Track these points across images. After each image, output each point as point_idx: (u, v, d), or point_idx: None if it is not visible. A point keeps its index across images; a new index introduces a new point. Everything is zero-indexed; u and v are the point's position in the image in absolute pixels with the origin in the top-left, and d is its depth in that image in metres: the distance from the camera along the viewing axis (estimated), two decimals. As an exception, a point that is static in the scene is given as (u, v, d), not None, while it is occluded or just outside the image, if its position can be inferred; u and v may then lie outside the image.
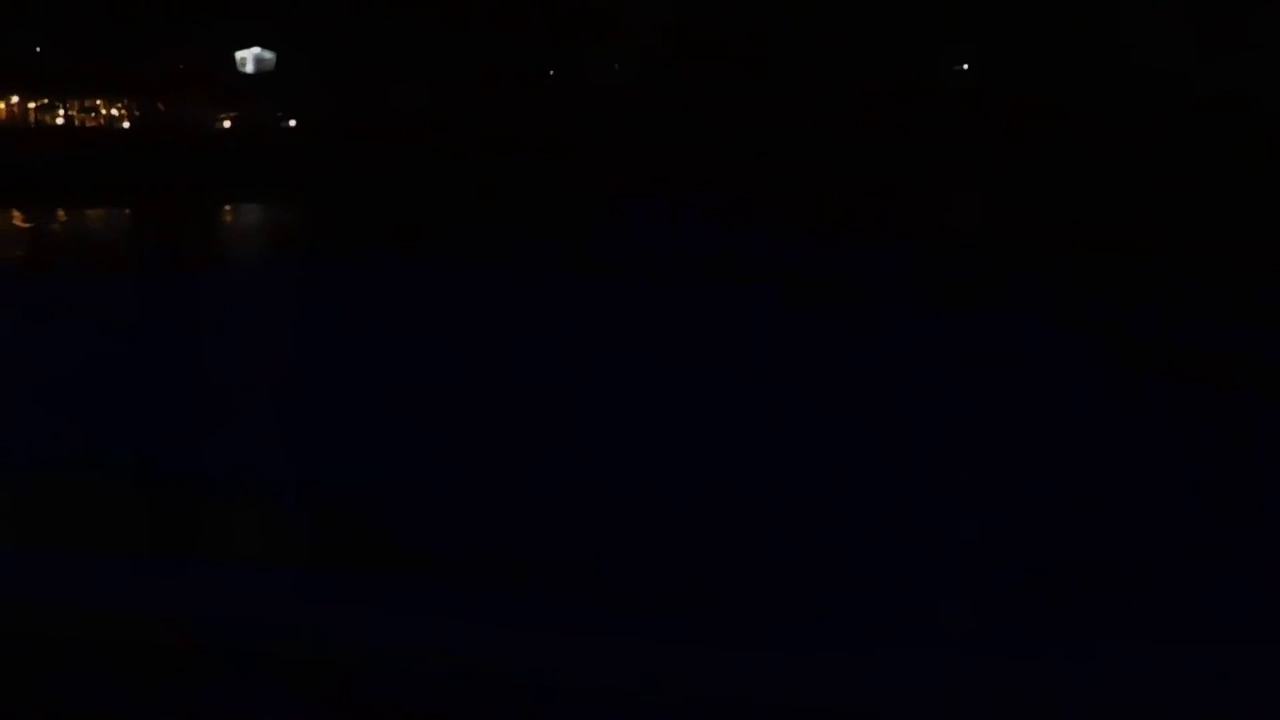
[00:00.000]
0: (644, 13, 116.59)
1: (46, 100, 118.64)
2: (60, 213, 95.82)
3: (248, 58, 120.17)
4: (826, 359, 39.93)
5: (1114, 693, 15.04)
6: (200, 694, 14.21)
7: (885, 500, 26.14)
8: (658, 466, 28.52)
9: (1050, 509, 25.76)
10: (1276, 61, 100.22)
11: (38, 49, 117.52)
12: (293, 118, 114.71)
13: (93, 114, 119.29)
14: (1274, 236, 62.96)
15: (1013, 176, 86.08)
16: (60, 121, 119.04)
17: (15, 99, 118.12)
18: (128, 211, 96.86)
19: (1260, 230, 65.28)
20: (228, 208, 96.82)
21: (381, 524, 24.81)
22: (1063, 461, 29.13)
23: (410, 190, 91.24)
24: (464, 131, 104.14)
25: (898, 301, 49.91)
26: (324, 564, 22.24)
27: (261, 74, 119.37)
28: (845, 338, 43.47)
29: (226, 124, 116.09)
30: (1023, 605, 20.93)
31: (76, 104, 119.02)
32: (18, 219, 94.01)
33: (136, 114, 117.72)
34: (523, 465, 28.50)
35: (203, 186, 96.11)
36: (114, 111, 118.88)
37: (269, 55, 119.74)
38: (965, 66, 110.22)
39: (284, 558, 22.43)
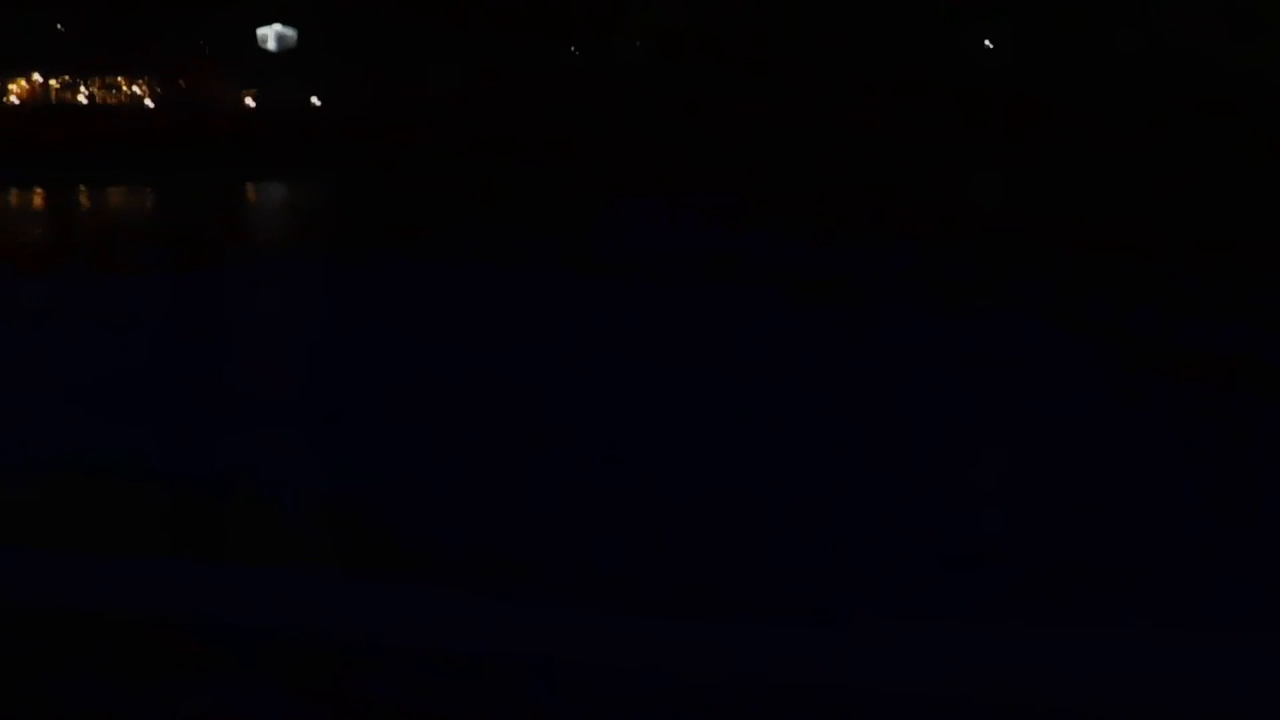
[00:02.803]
0: (644, 12, 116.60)
1: (68, 78, 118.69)
2: (82, 191, 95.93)
3: (269, 34, 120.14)
4: (826, 359, 39.92)
5: (1113, 692, 15.04)
6: (200, 694, 14.22)
7: (885, 500, 26.14)
8: (658, 466, 28.52)
9: (1050, 509, 25.76)
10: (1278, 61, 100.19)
11: (59, 26, 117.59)
12: (316, 95, 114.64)
13: (114, 91, 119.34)
14: (1274, 236, 62.92)
15: (1013, 176, 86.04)
16: (83, 100, 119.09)
17: (37, 76, 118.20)
18: (149, 191, 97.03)
19: (1260, 230, 65.24)
20: (239, 194, 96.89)
21: (382, 524, 24.81)
22: (1063, 461, 29.13)
23: (416, 185, 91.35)
24: (463, 130, 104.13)
25: (898, 301, 49.89)
26: (324, 564, 22.23)
27: (284, 51, 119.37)
28: (845, 338, 43.46)
29: (249, 102, 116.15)
30: (1022, 605, 20.92)
31: (98, 81, 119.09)
32: (39, 198, 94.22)
33: (158, 91, 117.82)
34: (523, 465, 28.50)
35: (218, 169, 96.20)
36: (135, 89, 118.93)
37: (290, 32, 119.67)
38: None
39: (284, 558, 22.42)
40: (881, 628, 18.07)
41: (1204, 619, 19.76)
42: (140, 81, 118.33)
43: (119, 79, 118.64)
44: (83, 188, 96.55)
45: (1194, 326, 44.28)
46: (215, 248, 66.56)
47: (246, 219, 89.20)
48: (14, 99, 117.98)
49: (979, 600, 20.93)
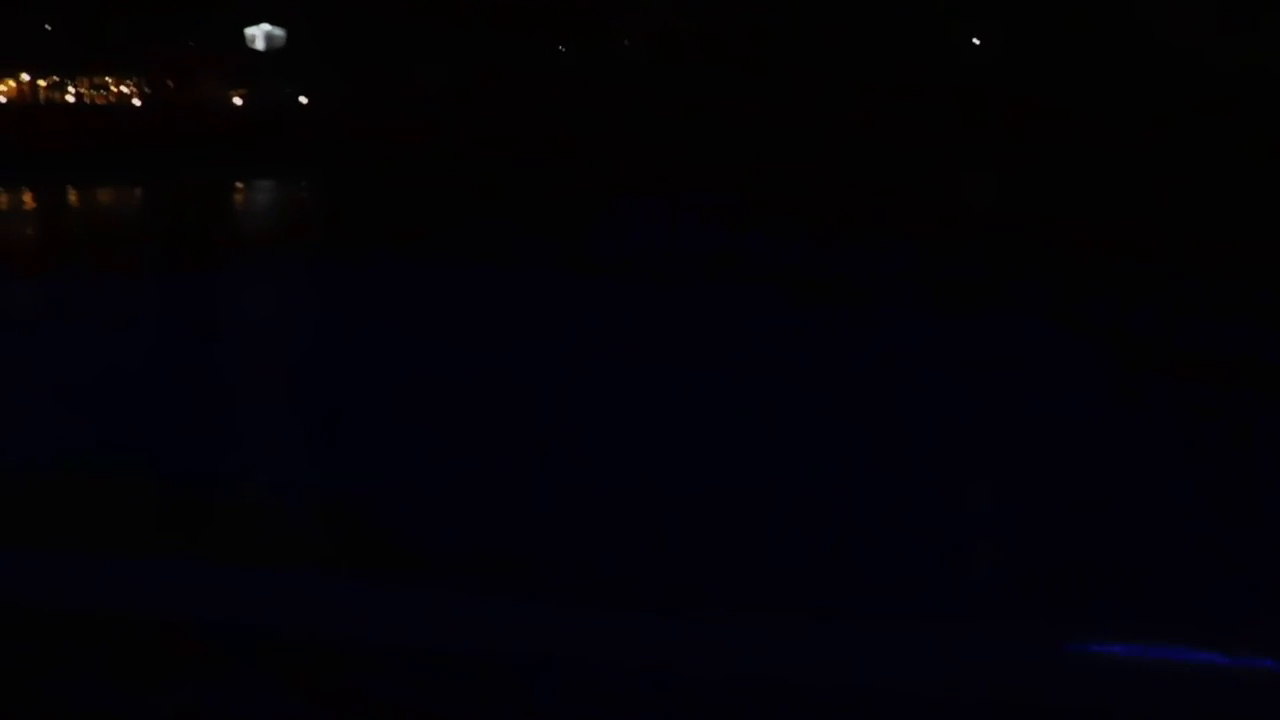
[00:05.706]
0: (644, 12, 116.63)
1: (56, 78, 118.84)
2: (71, 192, 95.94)
3: (258, 34, 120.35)
4: (826, 359, 39.92)
5: (1113, 692, 15.04)
6: (200, 694, 14.22)
7: (885, 500, 26.14)
8: (658, 466, 28.52)
9: (1050, 509, 25.76)
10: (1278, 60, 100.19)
11: (47, 26, 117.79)
12: (304, 95, 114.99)
13: (102, 91, 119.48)
14: (1274, 236, 62.92)
15: (1013, 176, 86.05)
16: (71, 99, 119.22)
17: (25, 77, 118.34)
18: (138, 193, 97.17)
19: (1260, 230, 65.24)
20: (229, 193, 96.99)
21: (381, 524, 24.81)
22: (1063, 461, 29.12)
23: (411, 184, 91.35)
24: (457, 129, 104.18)
25: (898, 301, 49.89)
26: (324, 564, 22.23)
27: (272, 50, 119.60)
28: (845, 338, 43.45)
29: (237, 101, 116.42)
30: (1023, 605, 20.93)
31: (86, 82, 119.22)
32: (28, 198, 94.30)
33: (147, 91, 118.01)
34: (523, 465, 28.50)
35: (206, 169, 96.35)
36: (124, 89, 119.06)
37: (279, 32, 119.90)
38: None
39: (284, 558, 22.42)
40: (881, 628, 18.06)
41: (1204, 619, 19.75)
42: (128, 81, 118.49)
43: (107, 79, 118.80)
44: (71, 188, 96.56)
45: (1194, 326, 44.28)
46: (209, 247, 66.52)
47: (238, 218, 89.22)
48: (1, 99, 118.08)
49: (979, 600, 20.92)
